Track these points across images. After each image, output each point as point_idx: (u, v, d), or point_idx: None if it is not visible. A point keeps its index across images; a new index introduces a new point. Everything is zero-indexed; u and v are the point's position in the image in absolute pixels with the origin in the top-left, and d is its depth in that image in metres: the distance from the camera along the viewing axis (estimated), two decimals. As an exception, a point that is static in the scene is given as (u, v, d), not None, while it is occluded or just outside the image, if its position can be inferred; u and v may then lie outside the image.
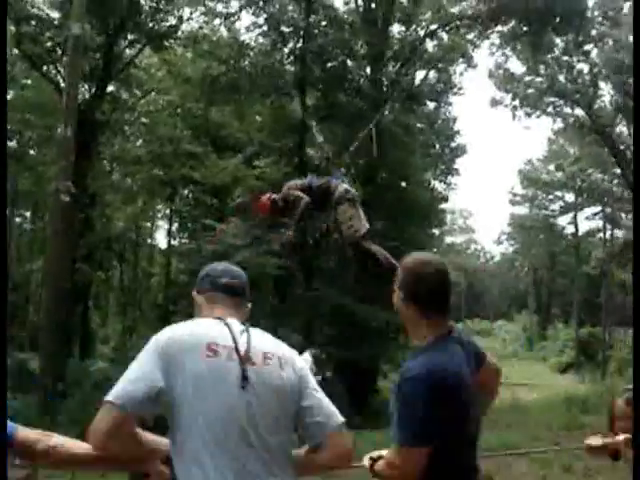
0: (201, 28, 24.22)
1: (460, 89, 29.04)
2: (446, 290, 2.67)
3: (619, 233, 51.70)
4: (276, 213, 6.41)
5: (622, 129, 36.73)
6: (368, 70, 24.03)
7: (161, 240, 45.06)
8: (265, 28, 23.12)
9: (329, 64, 22.85)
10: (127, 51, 23.92)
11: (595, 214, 52.64)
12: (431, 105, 28.88)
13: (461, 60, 27.62)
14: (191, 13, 23.97)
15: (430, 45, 26.67)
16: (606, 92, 34.64)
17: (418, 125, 27.13)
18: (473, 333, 63.19)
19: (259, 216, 6.90)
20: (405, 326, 2.80)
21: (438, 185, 30.62)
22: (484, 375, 2.77)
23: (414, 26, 26.32)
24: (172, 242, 33.42)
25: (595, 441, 3.47)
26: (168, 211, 34.25)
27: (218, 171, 21.16)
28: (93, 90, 22.33)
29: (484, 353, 2.84)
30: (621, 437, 3.36)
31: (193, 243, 21.16)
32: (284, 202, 6.22)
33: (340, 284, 20.49)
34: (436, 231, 36.40)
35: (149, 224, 39.60)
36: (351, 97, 22.46)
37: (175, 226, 33.68)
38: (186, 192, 28.77)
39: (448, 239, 65.81)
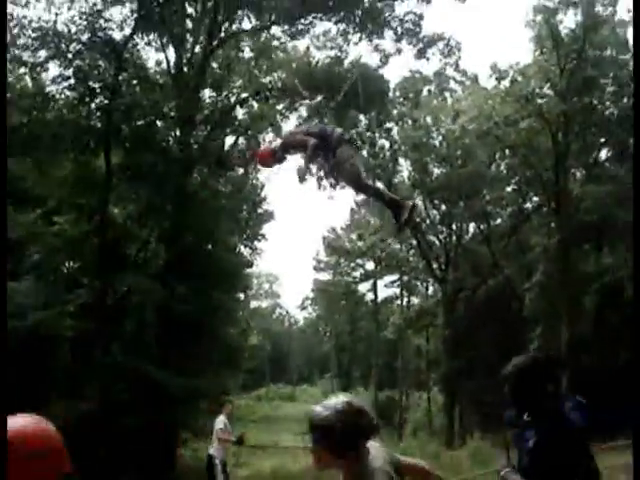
0: (4, 76, 23.05)
1: (269, 156, 29.61)
2: None
3: (415, 300, 54.59)
4: (280, 162, 6.38)
5: (418, 202, 39.10)
6: (177, 132, 23.92)
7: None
8: (73, 81, 22.41)
9: (137, 123, 22.49)
10: None
11: (393, 282, 55.22)
12: (240, 170, 29.18)
13: (270, 129, 28.27)
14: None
15: (240, 112, 27.15)
16: (404, 168, 36.94)
17: (225, 190, 27.29)
18: (277, 398, 63.38)
19: (263, 165, 6.66)
20: None
21: (244, 250, 30.80)
22: None
23: (225, 92, 26.74)
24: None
25: None
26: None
27: (14, 225, 19.95)
28: None
29: None
30: None
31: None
32: (284, 151, 6.24)
33: (141, 348, 19.87)
34: (242, 295, 36.41)
35: None
36: (158, 158, 22.17)
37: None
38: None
39: (254, 303, 66.08)
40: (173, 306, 19.73)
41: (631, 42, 28.39)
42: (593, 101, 29.18)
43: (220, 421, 12.74)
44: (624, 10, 28.25)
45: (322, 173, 5.81)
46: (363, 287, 60.32)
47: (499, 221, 38.42)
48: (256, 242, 31.62)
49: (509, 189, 35.19)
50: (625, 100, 29.55)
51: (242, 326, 35.72)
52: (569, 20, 27.44)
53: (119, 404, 18.34)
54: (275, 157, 6.31)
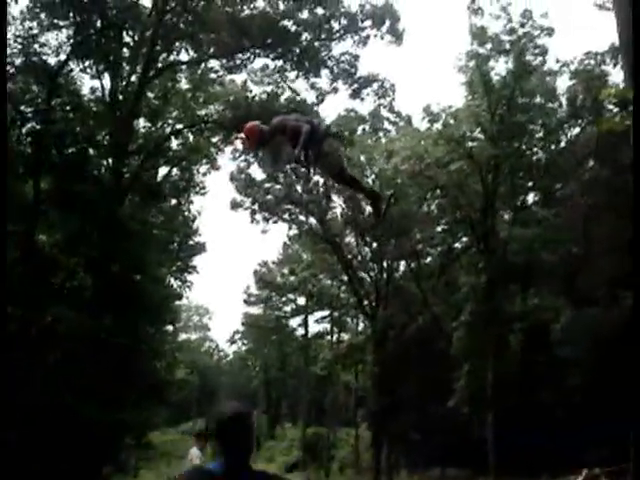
0: None
1: (203, 188, 29.53)
2: None
3: (345, 336, 54.69)
4: (262, 144, 6.46)
5: (350, 240, 39.44)
6: (110, 161, 23.62)
7: None
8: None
9: (69, 150, 22.12)
10: None
11: (324, 317, 55.26)
12: (172, 201, 28.97)
13: (205, 161, 28.20)
14: None
15: (175, 143, 27.04)
16: (338, 205, 37.24)
17: (157, 220, 27.01)
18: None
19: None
20: None
21: (174, 281, 30.44)
22: None
23: (160, 122, 26.61)
24: None
25: None
26: None
27: None
28: None
29: None
30: None
31: None
32: (273, 134, 6.18)
33: (64, 380, 19.28)
34: (170, 327, 35.89)
35: None
36: (89, 186, 21.80)
37: None
38: None
39: (182, 336, 65.03)
40: (99, 337, 19.28)
41: (559, 91, 29.58)
42: (522, 146, 30.05)
43: (196, 455, 12.51)
44: (553, 60, 29.31)
45: (298, 163, 5.89)
46: (294, 322, 60.20)
47: (429, 260, 38.99)
48: (187, 274, 31.32)
49: (439, 229, 35.80)
50: (552, 147, 30.58)
51: (169, 359, 35.13)
52: (500, 67, 28.30)
53: (40, 437, 17.73)
54: (261, 136, 6.29)
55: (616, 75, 26.91)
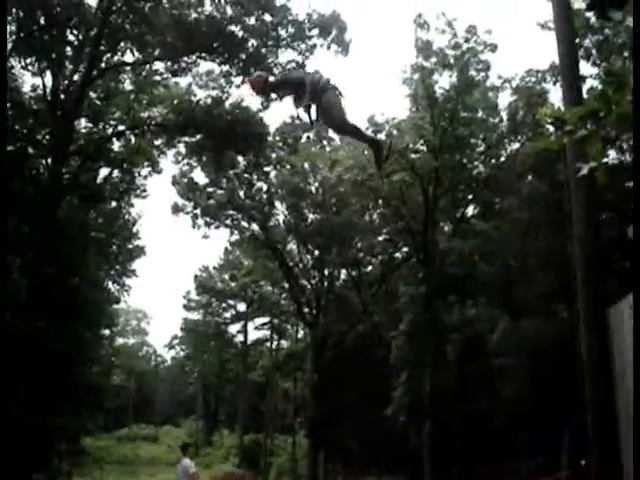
0: None
1: (144, 191, 29.16)
2: None
3: (285, 343, 54.72)
4: (266, 93, 7.43)
5: (292, 247, 39.48)
6: (49, 160, 23.15)
7: None
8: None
9: (7, 148, 21.59)
10: None
11: (264, 324, 55.19)
12: (112, 203, 28.53)
13: (147, 163, 27.86)
14: None
15: (117, 145, 26.65)
16: (280, 212, 37.26)
17: (96, 223, 26.57)
18: (139, 439, 61.41)
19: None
20: None
21: (112, 285, 29.95)
22: None
23: (102, 124, 26.21)
24: None
25: None
26: None
27: None
28: None
29: None
30: None
31: None
32: (276, 87, 6.55)
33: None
34: (107, 332, 35.35)
35: None
36: (28, 186, 21.34)
37: None
38: None
39: (120, 340, 64.10)
40: (33, 340, 18.83)
41: (500, 106, 30.19)
42: (463, 159, 30.55)
43: (191, 465, 12.77)
44: (495, 76, 29.92)
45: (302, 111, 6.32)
46: (233, 328, 60.00)
47: (370, 269, 39.30)
48: (125, 278, 30.86)
49: (380, 238, 36.11)
50: (493, 161, 31.16)
51: (106, 364, 34.60)
52: (444, 81, 28.74)
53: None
54: (265, 87, 6.64)
55: (556, 93, 27.72)
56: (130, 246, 31.01)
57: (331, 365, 34.32)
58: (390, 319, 32.91)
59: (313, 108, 6.30)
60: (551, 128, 15.49)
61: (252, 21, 24.27)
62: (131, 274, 31.19)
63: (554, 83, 26.52)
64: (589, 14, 17.37)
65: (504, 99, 30.64)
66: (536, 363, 23.19)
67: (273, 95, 7.28)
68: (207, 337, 60.12)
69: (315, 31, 24.67)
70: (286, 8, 24.21)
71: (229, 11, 24.19)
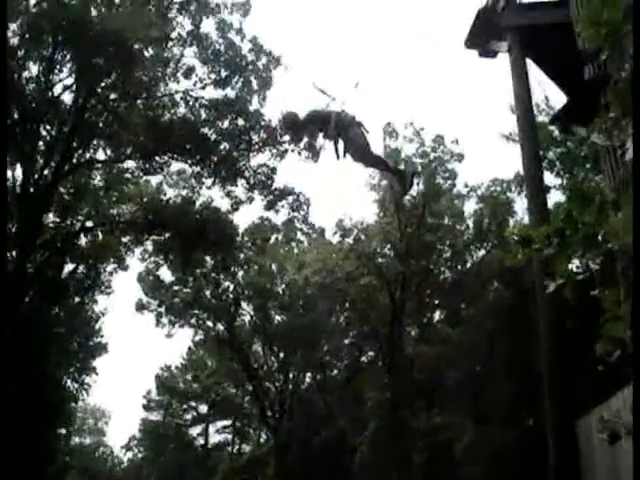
0: None
1: (108, 288, 28.84)
2: None
3: (247, 447, 53.15)
4: (297, 129, 7.77)
5: (258, 348, 38.98)
6: (14, 253, 22.88)
7: None
8: None
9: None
10: None
11: (225, 427, 53.79)
12: (75, 299, 28.12)
13: (113, 260, 27.67)
14: None
15: (84, 240, 26.50)
16: (247, 312, 36.94)
17: (57, 318, 26.08)
18: None
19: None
20: None
21: (70, 383, 29.10)
22: None
23: (70, 219, 26.12)
24: None
25: None
26: None
27: None
28: None
29: None
30: None
31: None
32: (304, 123, 7.32)
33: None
34: (63, 430, 34.12)
35: None
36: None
37: None
38: None
39: (76, 439, 61.77)
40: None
41: (466, 214, 30.78)
42: (429, 265, 30.83)
43: None
44: (462, 184, 30.62)
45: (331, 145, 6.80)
46: (194, 431, 58.30)
47: (335, 372, 38.80)
48: (85, 376, 30.08)
49: (347, 341, 35.86)
50: (459, 267, 31.48)
51: (60, 464, 33.25)
52: (412, 188, 29.35)
53: None
54: (297, 122, 7.42)
55: (521, 202, 28.36)
56: (92, 343, 30.40)
57: (294, 471, 33.30)
58: (356, 424, 32.27)
59: (340, 143, 6.89)
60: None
61: (225, 124, 24.77)
62: (91, 372, 30.46)
63: (519, 193, 27.21)
64: (552, 127, 18.10)
65: (470, 206, 31.32)
66: (500, 471, 22.73)
67: (296, 135, 8.05)
68: (166, 439, 58.28)
69: (287, 137, 25.20)
70: (259, 113, 24.80)
71: (203, 114, 24.69)
